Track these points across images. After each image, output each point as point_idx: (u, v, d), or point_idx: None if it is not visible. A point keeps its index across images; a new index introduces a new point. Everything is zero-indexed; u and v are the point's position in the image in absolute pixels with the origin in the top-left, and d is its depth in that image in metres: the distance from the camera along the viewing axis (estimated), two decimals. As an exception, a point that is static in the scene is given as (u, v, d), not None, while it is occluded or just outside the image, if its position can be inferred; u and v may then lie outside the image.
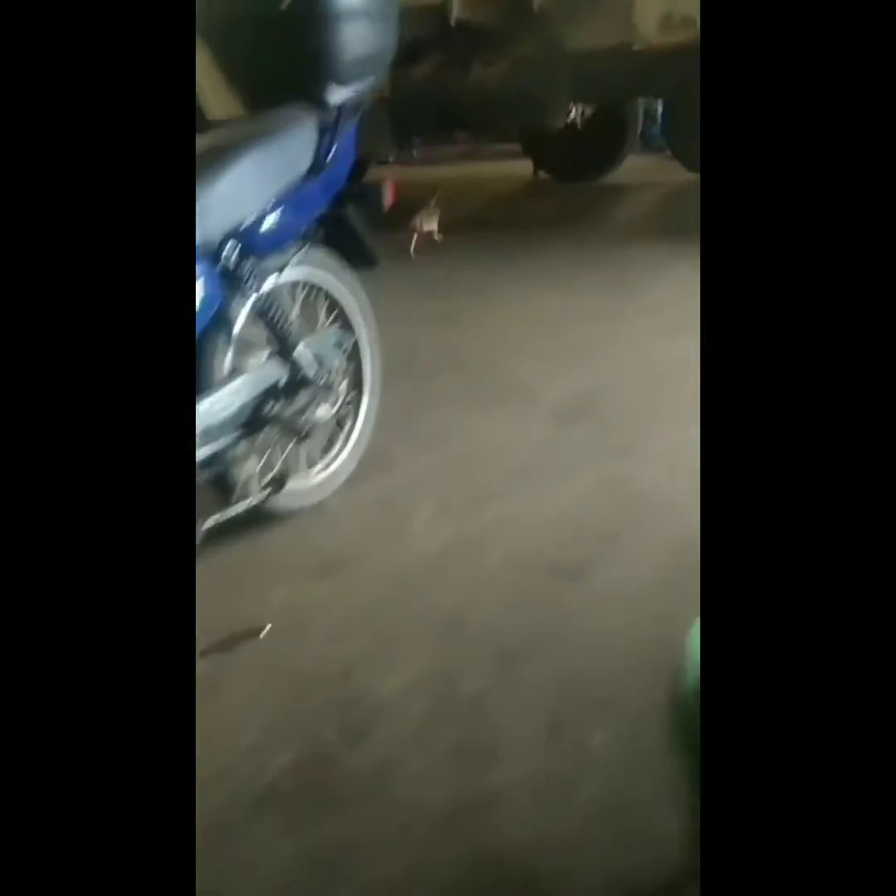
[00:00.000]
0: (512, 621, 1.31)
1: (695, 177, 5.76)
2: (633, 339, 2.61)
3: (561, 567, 1.43)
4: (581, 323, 2.82)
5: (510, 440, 1.98)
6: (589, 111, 6.05)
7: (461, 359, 2.59)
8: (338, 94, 1.43)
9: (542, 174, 6.58)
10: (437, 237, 4.50)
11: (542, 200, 5.93)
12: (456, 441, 2.01)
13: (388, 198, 1.54)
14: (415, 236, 4.22)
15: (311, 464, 1.71)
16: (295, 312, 1.60)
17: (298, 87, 1.43)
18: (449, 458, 1.93)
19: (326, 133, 1.45)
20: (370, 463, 1.84)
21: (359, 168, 7.07)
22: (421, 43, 4.63)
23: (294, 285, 1.60)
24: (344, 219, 1.59)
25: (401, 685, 1.22)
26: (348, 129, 1.51)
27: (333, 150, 1.47)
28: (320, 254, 1.62)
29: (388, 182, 1.55)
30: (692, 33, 3.45)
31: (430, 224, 4.37)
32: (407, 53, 4.70)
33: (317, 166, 1.45)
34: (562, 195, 6.06)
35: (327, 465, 1.73)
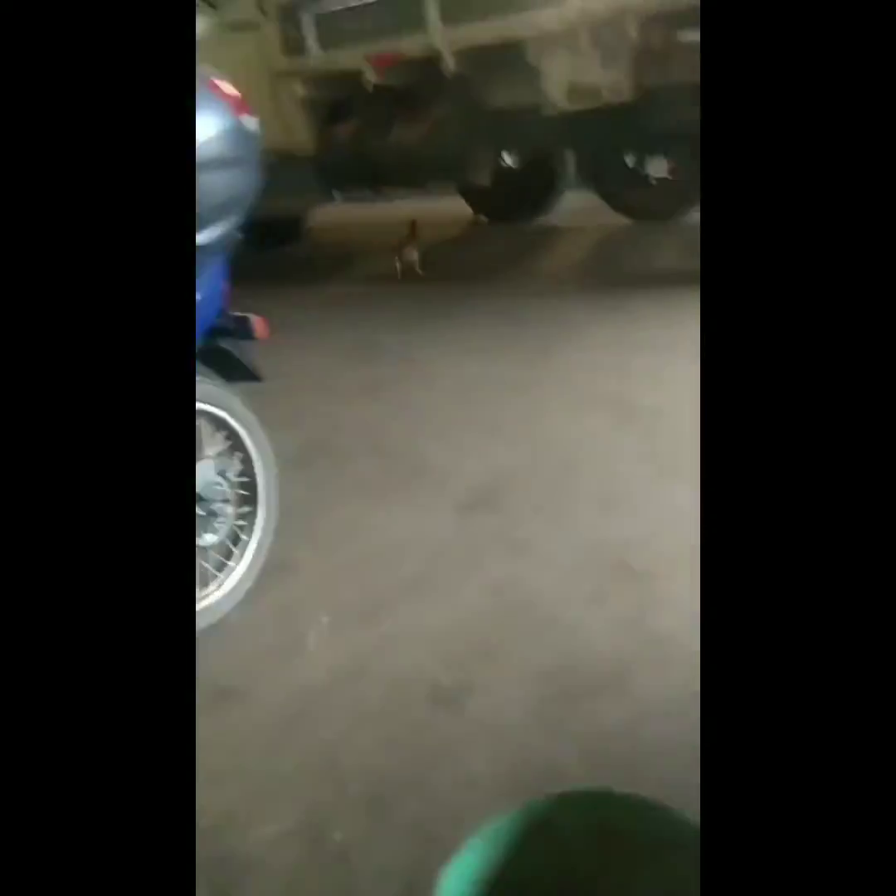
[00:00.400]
0: (386, 760, 1.33)
1: (623, 219, 5.93)
2: (546, 414, 2.66)
3: (440, 693, 1.45)
4: (500, 395, 2.87)
5: (412, 537, 2.00)
6: (520, 158, 6.19)
7: (378, 440, 2.62)
8: (199, 237, 1.46)
9: (481, 217, 6.71)
10: (418, 270, 4.76)
11: (477, 247, 6.02)
12: (359, 539, 2.03)
13: (259, 331, 1.58)
14: (399, 265, 4.79)
15: (203, 584, 1.72)
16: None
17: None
18: (350, 561, 1.94)
19: (190, 273, 1.49)
20: (273, 570, 1.85)
21: (292, 230, 7.13)
22: (343, 104, 4.72)
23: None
24: (221, 348, 1.62)
25: (273, 835, 1.23)
26: (213, 266, 1.54)
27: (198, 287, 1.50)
28: (202, 380, 1.64)
29: (256, 318, 1.59)
30: (597, 101, 3.56)
31: (412, 255, 4.82)
32: (331, 113, 4.80)
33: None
34: (496, 239, 6.17)
35: (221, 584, 1.74)
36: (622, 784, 1.18)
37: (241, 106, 1.55)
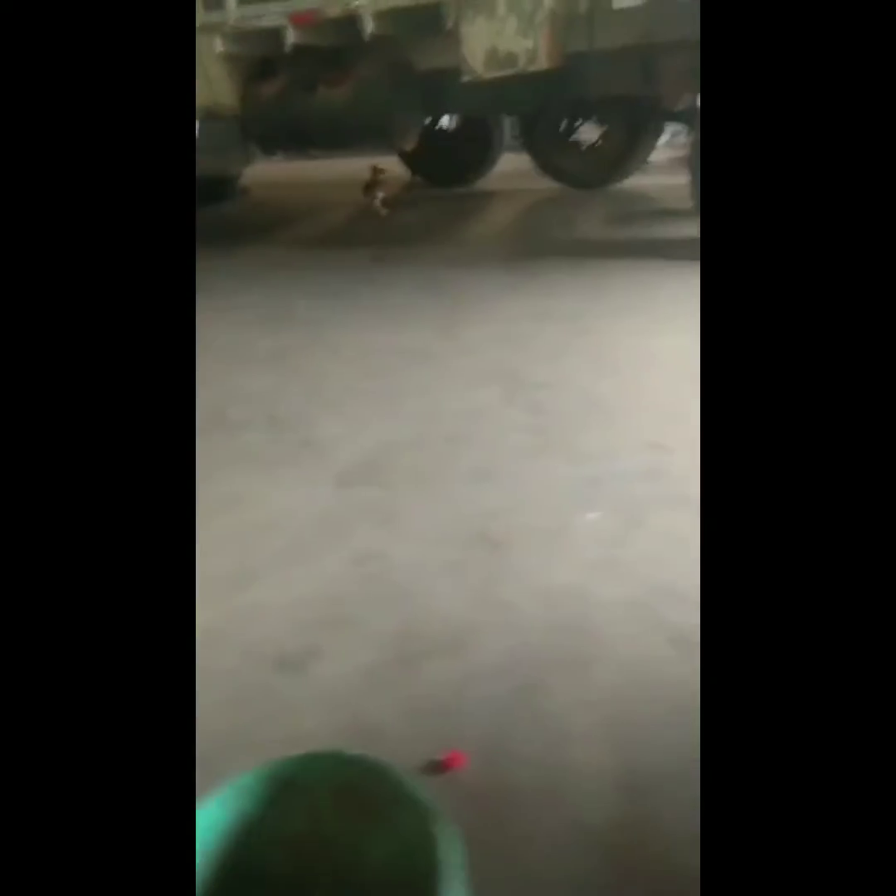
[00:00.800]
0: (222, 722, 1.39)
1: (556, 185, 5.94)
2: (442, 386, 2.72)
3: (287, 658, 1.52)
4: (401, 366, 2.92)
5: (290, 509, 2.06)
6: (457, 121, 6.15)
7: (273, 410, 2.65)
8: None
9: (418, 179, 6.66)
10: (383, 212, 5.04)
11: (410, 210, 5.98)
12: (240, 511, 2.08)
13: None
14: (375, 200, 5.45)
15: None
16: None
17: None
18: (227, 532, 1.99)
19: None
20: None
21: (221, 190, 7.08)
22: (267, 62, 4.61)
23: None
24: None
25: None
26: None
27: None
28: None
29: None
30: (515, 68, 3.55)
31: (379, 196, 5.42)
32: (255, 72, 4.69)
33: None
34: (430, 203, 6.13)
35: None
36: (438, 739, 1.28)
37: None
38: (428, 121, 5.85)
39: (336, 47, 4.19)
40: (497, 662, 1.44)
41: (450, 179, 6.41)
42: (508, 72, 3.52)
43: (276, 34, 4.08)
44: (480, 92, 3.99)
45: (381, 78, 4.23)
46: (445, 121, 6.27)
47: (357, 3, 3.79)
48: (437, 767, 1.23)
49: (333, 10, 3.92)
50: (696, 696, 1.31)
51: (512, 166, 6.80)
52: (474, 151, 6.17)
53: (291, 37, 4.05)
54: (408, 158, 6.32)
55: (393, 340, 3.17)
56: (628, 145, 5.49)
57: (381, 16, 3.84)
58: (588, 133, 5.55)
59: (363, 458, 2.27)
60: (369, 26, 3.81)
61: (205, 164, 4.21)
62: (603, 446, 2.19)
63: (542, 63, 3.49)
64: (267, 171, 7.37)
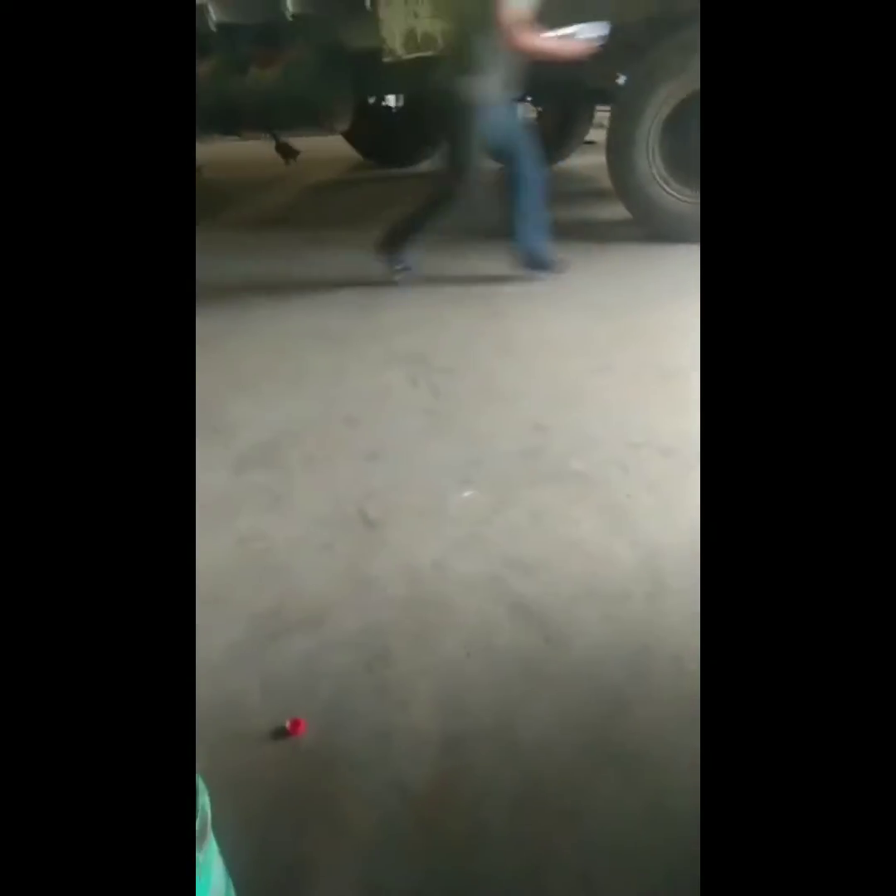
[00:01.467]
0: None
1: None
2: (350, 369, 2.77)
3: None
4: (315, 348, 2.97)
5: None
6: (401, 101, 6.12)
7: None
8: None
9: (369, 160, 6.63)
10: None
11: (353, 191, 5.98)
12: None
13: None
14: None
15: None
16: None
17: None
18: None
19: None
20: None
21: None
22: (201, 40, 4.56)
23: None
24: None
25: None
26: None
27: None
28: None
29: None
30: (433, 50, 3.58)
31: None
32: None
33: None
34: (374, 184, 6.12)
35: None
36: (288, 708, 1.36)
37: None
38: (372, 101, 5.82)
39: (263, 26, 4.17)
40: (351, 636, 1.52)
41: (398, 160, 6.39)
42: (427, 53, 3.55)
43: (199, 12, 4.05)
44: (407, 73, 4.00)
45: (311, 58, 4.22)
46: (391, 101, 6.24)
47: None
48: (282, 733, 1.32)
49: (255, -12, 3.91)
50: (522, 657, 1.41)
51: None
52: (419, 132, 6.16)
53: (214, 14, 4.02)
54: (353, 139, 6.29)
55: (311, 322, 3.22)
56: (563, 126, 5.52)
57: (301, -6, 3.84)
58: (524, 115, 5.57)
59: (263, 440, 2.33)
60: (289, 5, 3.80)
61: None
62: (492, 428, 2.27)
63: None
64: (223, 151, 7.29)
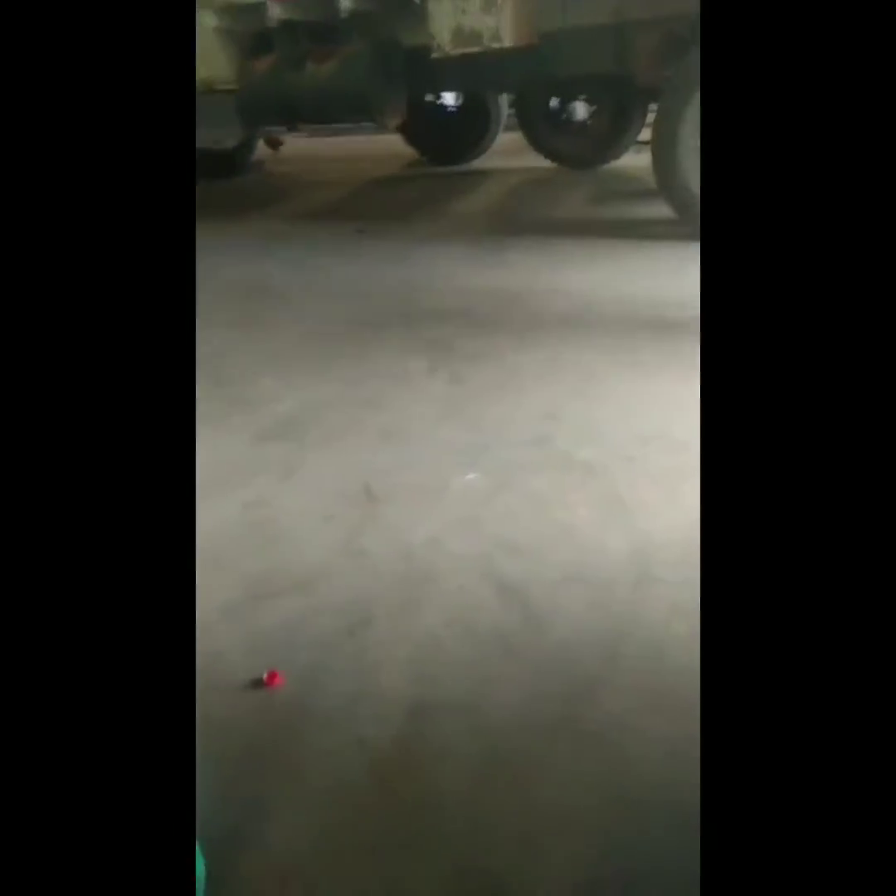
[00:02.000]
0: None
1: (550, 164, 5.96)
2: (378, 354, 2.82)
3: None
4: (346, 335, 3.03)
5: (205, 461, 2.19)
6: (459, 99, 6.19)
7: (220, 370, 2.79)
8: None
9: (423, 157, 6.73)
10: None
11: (403, 187, 6.06)
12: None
13: None
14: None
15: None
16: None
17: None
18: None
19: None
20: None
21: (225, 164, 7.44)
22: (264, 36, 4.72)
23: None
24: None
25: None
26: None
27: None
28: None
29: None
30: (480, 45, 3.62)
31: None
32: (251, 47, 4.80)
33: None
34: (425, 180, 6.19)
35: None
36: (268, 664, 1.41)
37: None
38: (427, 98, 5.90)
39: (320, 23, 4.27)
40: (338, 603, 1.56)
41: (450, 157, 6.46)
42: (474, 49, 3.59)
43: (259, 9, 4.18)
44: (457, 68, 4.05)
45: (365, 54, 4.31)
46: (448, 98, 6.31)
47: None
48: (259, 684, 1.37)
49: (311, -14, 4.01)
50: (501, 634, 1.43)
51: (517, 146, 6.82)
52: (472, 129, 6.21)
53: (274, 11, 4.14)
54: (408, 136, 6.39)
55: (345, 310, 3.29)
56: (617, 125, 5.48)
57: (357, -8, 3.92)
58: (577, 112, 5.56)
59: (285, 417, 2.40)
60: (346, 2, 3.89)
61: (203, 138, 4.35)
62: (505, 416, 2.29)
63: (508, 40, 3.54)
64: (290, 146, 7.50)
